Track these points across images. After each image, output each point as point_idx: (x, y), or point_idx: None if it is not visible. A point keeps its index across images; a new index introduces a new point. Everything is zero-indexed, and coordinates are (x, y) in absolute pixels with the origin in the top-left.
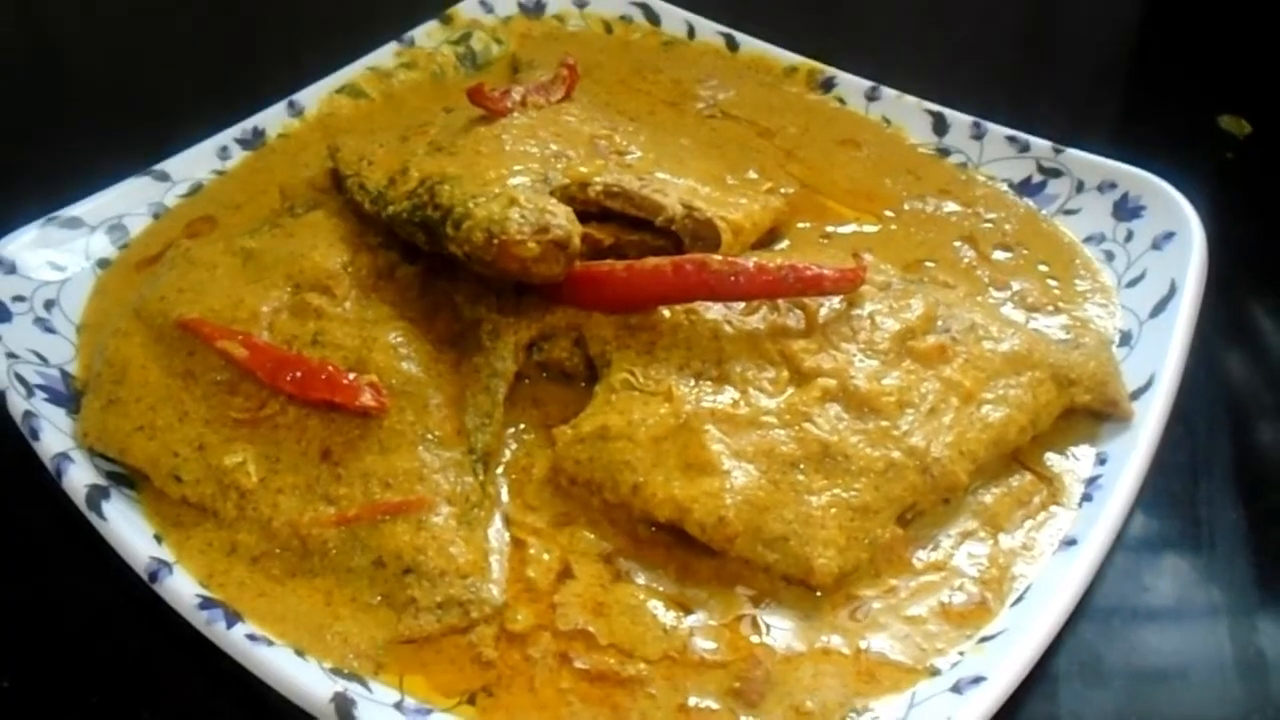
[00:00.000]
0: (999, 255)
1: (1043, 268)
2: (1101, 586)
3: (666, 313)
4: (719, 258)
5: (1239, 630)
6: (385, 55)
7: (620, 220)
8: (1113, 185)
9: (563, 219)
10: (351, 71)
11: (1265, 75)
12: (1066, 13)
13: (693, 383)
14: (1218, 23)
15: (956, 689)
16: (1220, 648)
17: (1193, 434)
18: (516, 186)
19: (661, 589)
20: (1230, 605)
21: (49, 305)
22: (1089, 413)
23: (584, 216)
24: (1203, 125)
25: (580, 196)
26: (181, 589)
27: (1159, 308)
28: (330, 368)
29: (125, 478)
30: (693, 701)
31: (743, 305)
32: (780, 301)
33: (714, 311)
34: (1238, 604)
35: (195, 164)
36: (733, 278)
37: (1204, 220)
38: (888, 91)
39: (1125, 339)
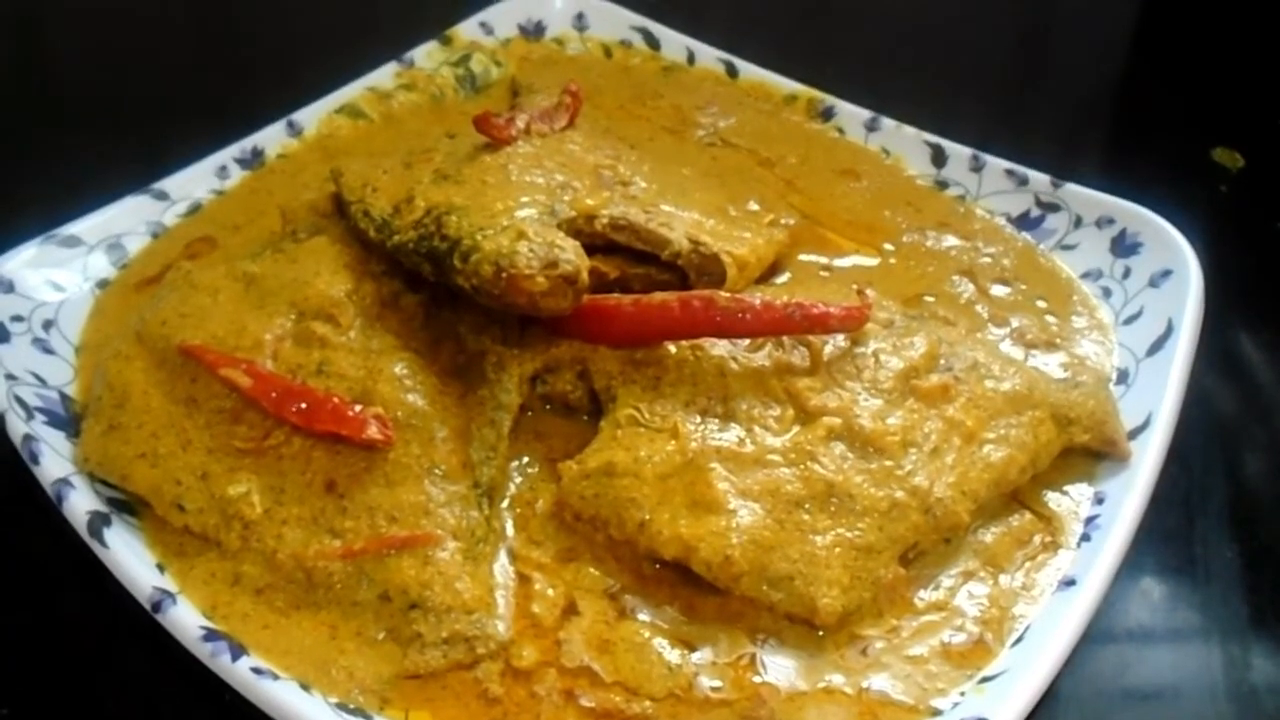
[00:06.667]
0: (997, 290)
1: (1041, 304)
2: (1099, 624)
3: (672, 348)
4: (726, 294)
5: (1234, 667)
6: (385, 76)
7: (625, 253)
8: (1111, 221)
9: (571, 253)
10: (351, 92)
11: (1258, 109)
12: (1059, 47)
13: (698, 420)
14: (1210, 56)
15: None
16: (1215, 685)
17: (1188, 470)
18: (524, 219)
19: (666, 626)
20: (1225, 642)
21: (47, 325)
22: (1087, 451)
23: (589, 249)
24: (1196, 158)
25: (587, 229)
26: (185, 620)
27: (1156, 346)
28: (336, 399)
29: (126, 504)
30: None
31: (748, 342)
32: (785, 338)
33: (719, 348)
34: (1233, 641)
35: (194, 183)
36: (740, 315)
37: (1197, 253)
38: (887, 122)
39: (1122, 377)
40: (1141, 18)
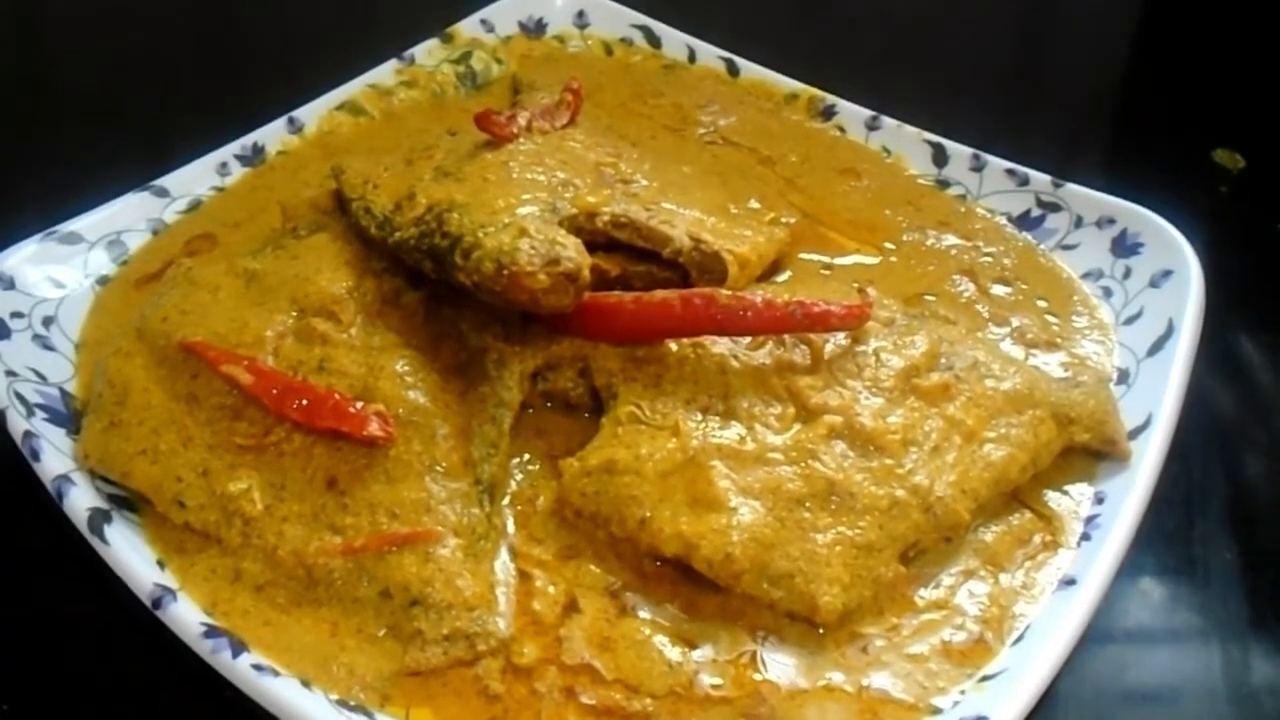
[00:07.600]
0: (998, 290)
1: (1041, 303)
2: (1099, 625)
3: (673, 346)
4: (727, 292)
5: (1233, 669)
6: (385, 73)
7: (627, 251)
8: (1111, 221)
9: (573, 251)
10: (352, 89)
11: (1259, 110)
12: (1059, 47)
13: (699, 417)
14: (1210, 56)
15: None
16: (1214, 686)
17: (1188, 471)
18: (526, 216)
19: (667, 624)
20: (1225, 643)
21: (47, 322)
22: (1087, 451)
23: (590, 246)
24: (1197, 159)
25: (588, 227)
26: (186, 616)
27: (1156, 346)
28: (337, 396)
29: (126, 500)
30: None
31: (749, 340)
32: (786, 336)
33: (721, 346)
34: (1232, 642)
35: (194, 180)
36: (741, 312)
37: (1197, 254)
38: (888, 121)
39: (1123, 377)
40: (1142, 18)
